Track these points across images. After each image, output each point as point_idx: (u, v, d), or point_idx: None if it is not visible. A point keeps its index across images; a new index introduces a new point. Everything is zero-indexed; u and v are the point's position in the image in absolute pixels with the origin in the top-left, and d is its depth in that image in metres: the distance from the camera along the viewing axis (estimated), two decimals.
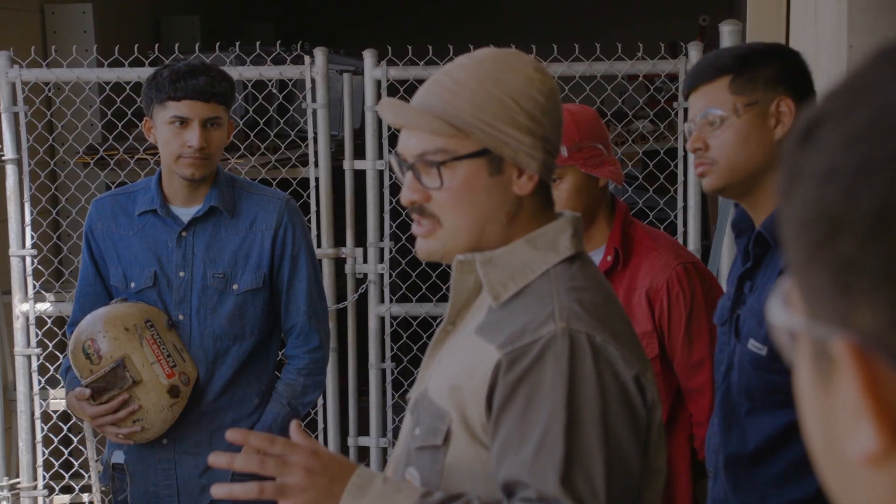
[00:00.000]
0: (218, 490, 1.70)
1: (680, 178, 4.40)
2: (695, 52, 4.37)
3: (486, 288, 1.76)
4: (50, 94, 5.02)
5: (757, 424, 2.28)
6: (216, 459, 1.72)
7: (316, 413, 4.77)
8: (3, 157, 4.70)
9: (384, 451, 4.83)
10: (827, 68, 2.75)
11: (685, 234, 4.41)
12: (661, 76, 4.83)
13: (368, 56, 4.61)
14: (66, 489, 5.11)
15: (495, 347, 1.68)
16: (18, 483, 4.84)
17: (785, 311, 0.73)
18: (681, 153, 4.36)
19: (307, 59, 4.65)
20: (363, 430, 4.84)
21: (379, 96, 4.58)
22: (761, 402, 2.26)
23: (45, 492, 4.91)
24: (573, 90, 4.44)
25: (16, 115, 4.68)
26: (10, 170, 4.71)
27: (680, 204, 4.41)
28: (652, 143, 4.85)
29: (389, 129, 4.57)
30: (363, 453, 4.91)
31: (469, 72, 1.75)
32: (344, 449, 4.83)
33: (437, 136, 1.72)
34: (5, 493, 4.80)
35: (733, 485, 2.35)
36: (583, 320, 1.66)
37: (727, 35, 4.17)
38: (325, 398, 4.59)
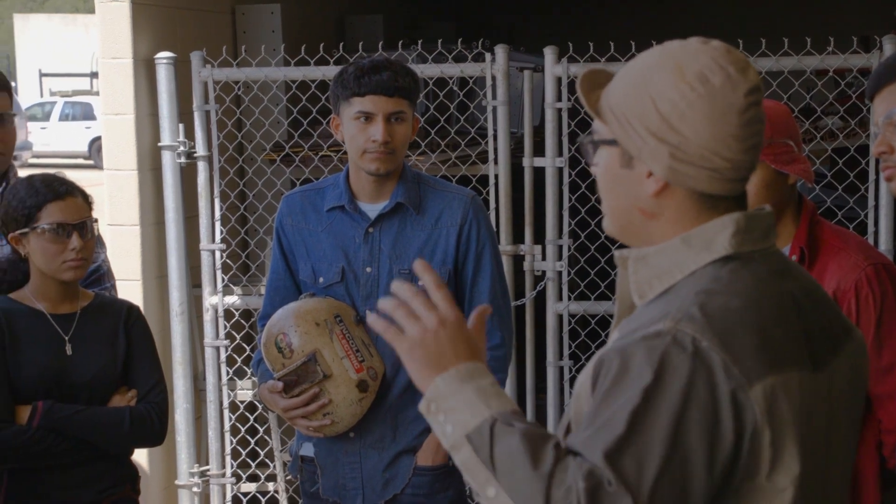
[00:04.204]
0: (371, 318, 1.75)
1: (871, 176, 4.26)
2: (889, 46, 4.22)
3: (632, 286, 1.74)
4: (239, 93, 5.16)
5: None
6: (382, 303, 1.74)
7: None
8: (195, 154, 4.85)
9: None
10: None
11: (876, 234, 4.28)
12: (852, 71, 4.69)
13: (549, 53, 4.60)
14: (253, 478, 5.25)
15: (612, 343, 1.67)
16: (208, 470, 5.00)
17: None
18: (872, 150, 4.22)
19: (488, 56, 4.67)
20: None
21: (559, 93, 4.57)
22: None
23: (233, 479, 5.05)
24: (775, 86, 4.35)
25: (207, 113, 4.83)
26: (202, 166, 4.86)
27: (871, 203, 4.27)
28: (842, 139, 4.71)
29: (570, 125, 4.55)
30: None
31: (638, 60, 1.74)
32: None
33: (596, 118, 1.76)
34: (196, 479, 4.95)
35: None
36: (695, 323, 1.60)
37: None
38: None
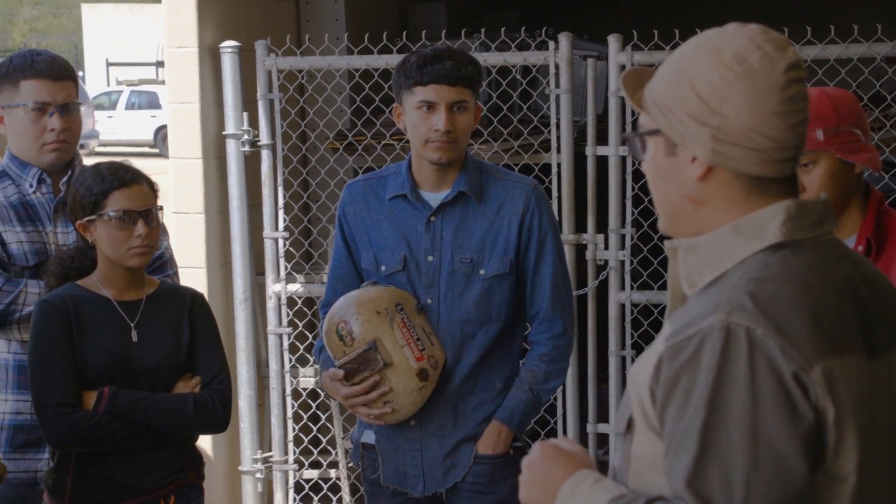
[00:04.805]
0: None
1: None
2: None
3: (682, 276, 1.73)
4: (303, 82, 5.19)
5: None
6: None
7: (555, 399, 4.78)
8: (259, 143, 4.88)
9: None
10: None
11: None
12: None
13: (613, 41, 4.57)
14: (315, 464, 5.28)
15: (664, 339, 1.66)
16: (271, 457, 5.04)
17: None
18: None
19: (551, 44, 4.65)
20: (602, 417, 4.81)
21: None
22: None
23: (295, 466, 5.09)
24: (827, 74, 4.28)
25: (271, 101, 4.85)
26: (265, 155, 4.89)
27: None
28: None
29: (633, 114, 4.52)
30: (602, 440, 4.89)
31: (679, 50, 1.75)
32: (583, 436, 4.82)
33: (641, 111, 1.78)
34: (259, 465, 5.00)
35: None
36: (747, 313, 1.59)
37: None
38: (564, 384, 4.59)
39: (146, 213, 3.02)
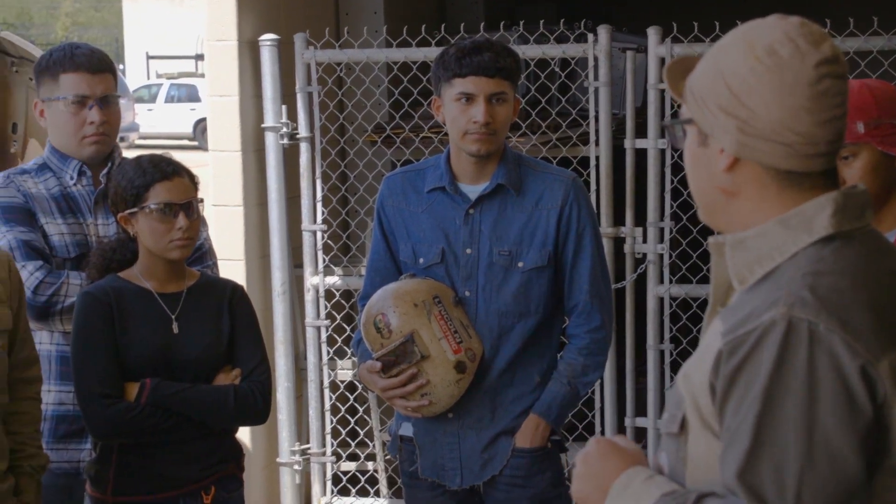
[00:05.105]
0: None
1: None
2: None
3: (731, 271, 1.72)
4: (341, 74, 5.20)
5: None
6: None
7: (593, 393, 4.77)
8: (298, 136, 4.90)
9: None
10: None
11: None
12: None
13: (652, 33, 4.55)
14: (352, 457, 5.30)
15: (721, 334, 1.64)
16: (308, 449, 5.06)
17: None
18: None
19: (590, 37, 4.63)
20: (640, 410, 4.80)
21: (662, 74, 4.51)
22: None
23: (333, 458, 5.11)
24: (870, 66, 4.24)
25: (309, 94, 4.87)
26: (304, 147, 4.91)
27: None
28: None
29: (672, 107, 4.50)
30: (640, 434, 4.87)
31: (721, 40, 1.75)
32: (621, 430, 4.81)
33: (681, 102, 1.78)
34: (297, 457, 5.02)
35: None
36: (808, 307, 1.58)
37: None
38: (602, 378, 4.58)
39: (187, 206, 3.04)
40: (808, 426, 1.54)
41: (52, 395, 3.32)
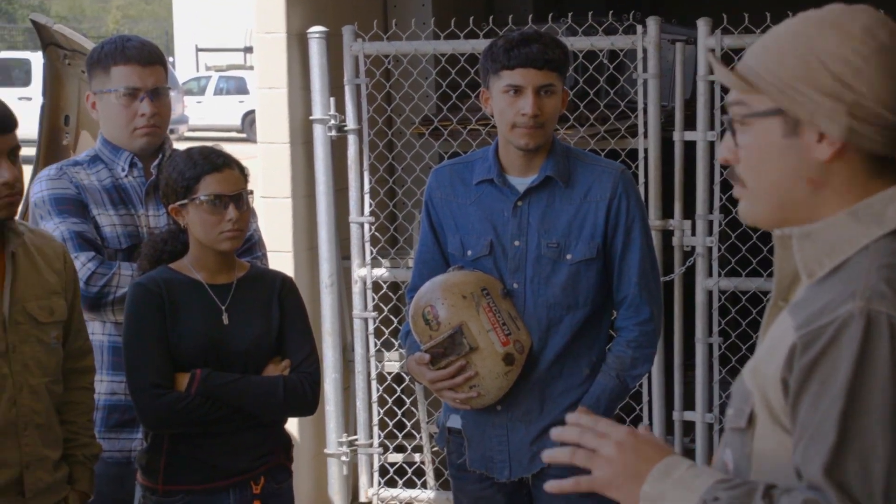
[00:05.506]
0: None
1: None
2: None
3: (799, 265, 1.69)
4: (389, 67, 5.20)
5: None
6: (550, 454, 1.87)
7: (641, 386, 4.75)
8: (346, 128, 4.91)
9: (710, 427, 4.75)
10: None
11: None
12: None
13: (702, 24, 4.52)
14: (399, 448, 5.31)
15: (794, 328, 1.62)
16: (356, 440, 5.08)
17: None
18: None
19: (639, 28, 4.61)
20: (688, 404, 4.78)
21: (712, 66, 4.49)
22: None
23: (380, 450, 5.13)
24: None
25: (357, 87, 4.88)
26: (352, 139, 4.92)
27: None
28: None
29: (722, 98, 4.47)
30: (688, 428, 4.85)
31: (789, 28, 1.70)
32: (668, 423, 4.79)
33: (742, 93, 1.72)
34: (344, 448, 5.04)
35: None
36: (886, 300, 1.56)
37: None
38: (650, 371, 4.56)
39: (237, 198, 3.06)
40: (895, 421, 1.52)
41: (105, 385, 3.36)
